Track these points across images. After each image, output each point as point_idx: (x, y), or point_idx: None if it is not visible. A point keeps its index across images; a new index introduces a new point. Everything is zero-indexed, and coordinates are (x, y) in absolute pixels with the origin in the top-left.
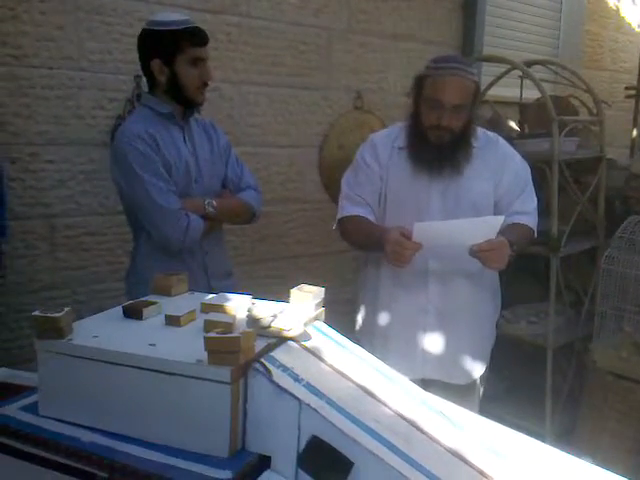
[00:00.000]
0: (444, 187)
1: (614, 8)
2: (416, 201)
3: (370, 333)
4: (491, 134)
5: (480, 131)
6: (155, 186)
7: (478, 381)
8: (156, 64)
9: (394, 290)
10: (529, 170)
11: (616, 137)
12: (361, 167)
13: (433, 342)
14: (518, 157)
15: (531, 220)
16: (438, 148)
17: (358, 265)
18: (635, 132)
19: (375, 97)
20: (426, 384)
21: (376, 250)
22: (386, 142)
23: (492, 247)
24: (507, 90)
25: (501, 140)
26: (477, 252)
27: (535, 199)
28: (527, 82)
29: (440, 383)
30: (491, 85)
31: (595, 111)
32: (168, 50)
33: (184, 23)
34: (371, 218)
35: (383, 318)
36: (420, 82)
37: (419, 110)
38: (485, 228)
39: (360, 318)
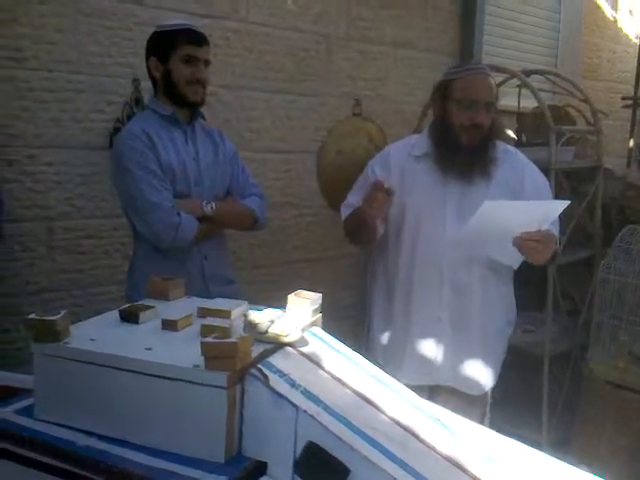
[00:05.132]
0: (462, 195)
1: (612, 19)
2: (435, 208)
3: (383, 341)
4: (509, 146)
5: (499, 144)
6: (148, 183)
7: (489, 393)
8: (152, 62)
9: (408, 299)
10: (547, 181)
11: (613, 147)
12: (368, 177)
13: (447, 349)
14: (536, 169)
15: (556, 229)
16: (468, 152)
17: (366, 276)
18: (632, 142)
19: (373, 104)
20: (438, 392)
21: (367, 228)
22: (401, 152)
23: (540, 238)
24: (505, 99)
25: (519, 152)
26: (524, 240)
27: None
28: (525, 91)
29: (453, 391)
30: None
31: (592, 121)
32: (163, 48)
33: (182, 26)
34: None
35: (397, 326)
36: (446, 86)
37: (447, 114)
38: (547, 212)
39: (371, 327)
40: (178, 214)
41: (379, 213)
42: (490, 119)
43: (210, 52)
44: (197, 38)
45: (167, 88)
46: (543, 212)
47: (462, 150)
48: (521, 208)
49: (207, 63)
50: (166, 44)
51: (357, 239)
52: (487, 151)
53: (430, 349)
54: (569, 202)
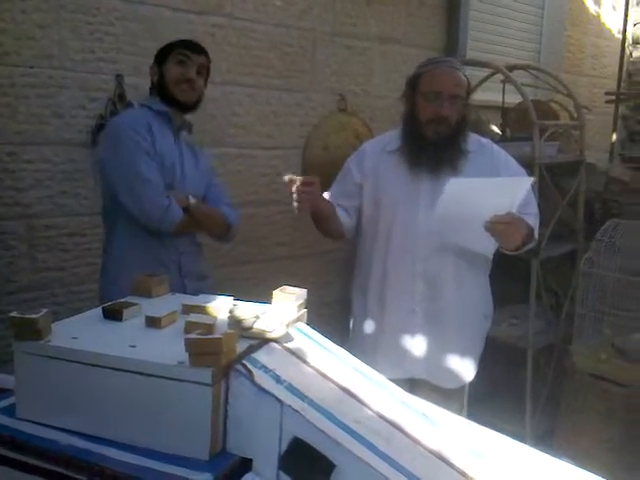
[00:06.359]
0: (436, 189)
1: (595, 14)
2: (408, 202)
3: (361, 335)
4: (484, 140)
5: (474, 137)
6: (143, 160)
7: (467, 387)
8: (152, 67)
9: (382, 292)
10: (524, 171)
11: (596, 141)
12: (344, 173)
13: (421, 343)
14: (513, 162)
15: (532, 222)
16: (435, 146)
17: (352, 274)
18: (614, 137)
19: (359, 99)
20: (414, 385)
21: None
22: (376, 148)
23: (510, 220)
24: (489, 94)
25: (495, 146)
26: (495, 223)
27: (536, 203)
28: (509, 86)
29: (429, 385)
30: (474, 89)
31: (575, 116)
32: (162, 54)
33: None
34: (341, 216)
35: (373, 320)
36: (415, 80)
37: (415, 108)
38: (514, 190)
39: (352, 323)
40: (168, 197)
41: (308, 205)
42: (456, 112)
43: (208, 65)
44: (194, 45)
45: (160, 90)
46: (510, 190)
47: (429, 144)
48: (486, 185)
49: (202, 71)
50: (165, 50)
51: (323, 232)
52: (456, 145)
53: (404, 342)
54: (534, 179)
